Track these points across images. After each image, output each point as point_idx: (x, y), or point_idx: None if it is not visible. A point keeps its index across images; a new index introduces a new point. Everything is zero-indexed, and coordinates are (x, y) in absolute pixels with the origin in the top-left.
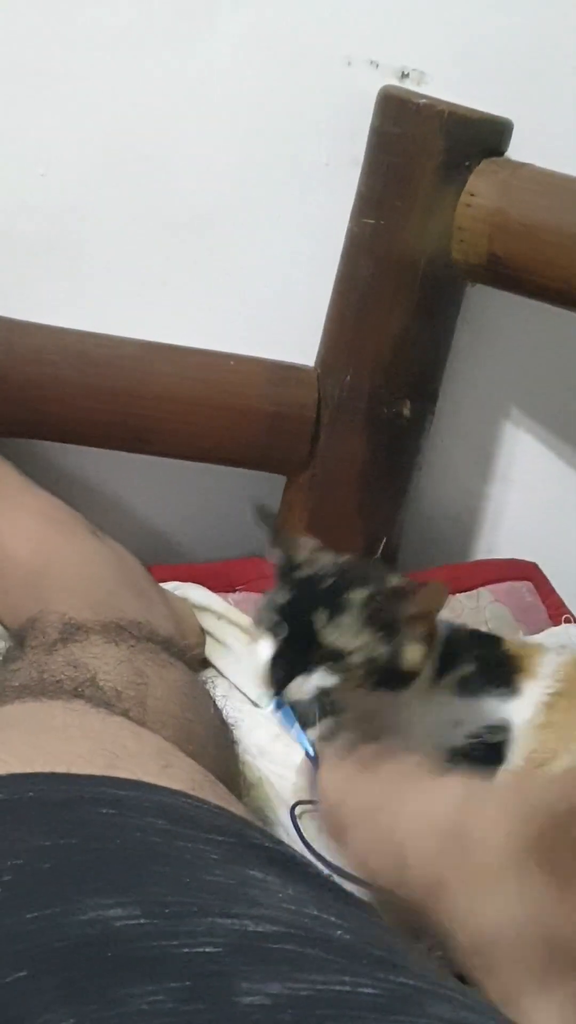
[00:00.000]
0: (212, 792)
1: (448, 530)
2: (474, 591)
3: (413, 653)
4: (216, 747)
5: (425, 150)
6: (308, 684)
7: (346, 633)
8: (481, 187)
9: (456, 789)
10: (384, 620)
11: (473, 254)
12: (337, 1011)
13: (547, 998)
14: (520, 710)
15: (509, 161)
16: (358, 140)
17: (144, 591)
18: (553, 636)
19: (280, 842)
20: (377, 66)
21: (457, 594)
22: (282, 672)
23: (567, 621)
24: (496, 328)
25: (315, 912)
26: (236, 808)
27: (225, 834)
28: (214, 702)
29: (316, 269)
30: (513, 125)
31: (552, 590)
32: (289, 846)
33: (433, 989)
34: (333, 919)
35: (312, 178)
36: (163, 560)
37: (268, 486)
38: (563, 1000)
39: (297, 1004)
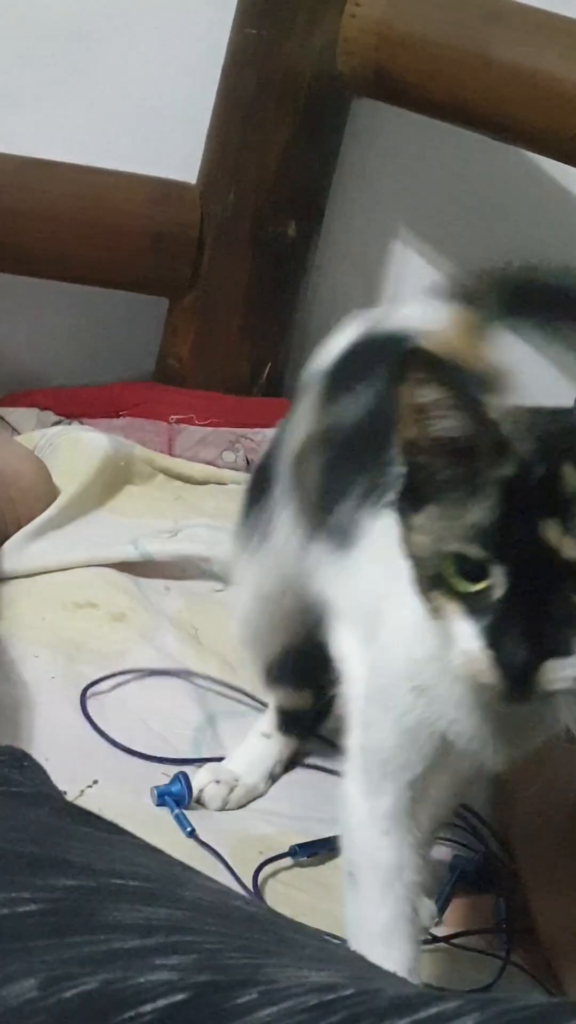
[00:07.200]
0: None
1: None
2: None
3: None
4: None
5: None
6: (570, 663)
7: None
8: None
9: None
10: None
11: (360, 66)
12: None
13: None
14: None
15: None
16: None
17: None
18: None
19: None
20: None
21: None
22: (523, 653)
23: None
24: (383, 145)
25: None
26: None
27: None
28: None
29: (198, 82)
30: None
31: None
32: None
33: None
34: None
35: None
36: (42, 384)
37: (151, 309)
38: None
39: None
